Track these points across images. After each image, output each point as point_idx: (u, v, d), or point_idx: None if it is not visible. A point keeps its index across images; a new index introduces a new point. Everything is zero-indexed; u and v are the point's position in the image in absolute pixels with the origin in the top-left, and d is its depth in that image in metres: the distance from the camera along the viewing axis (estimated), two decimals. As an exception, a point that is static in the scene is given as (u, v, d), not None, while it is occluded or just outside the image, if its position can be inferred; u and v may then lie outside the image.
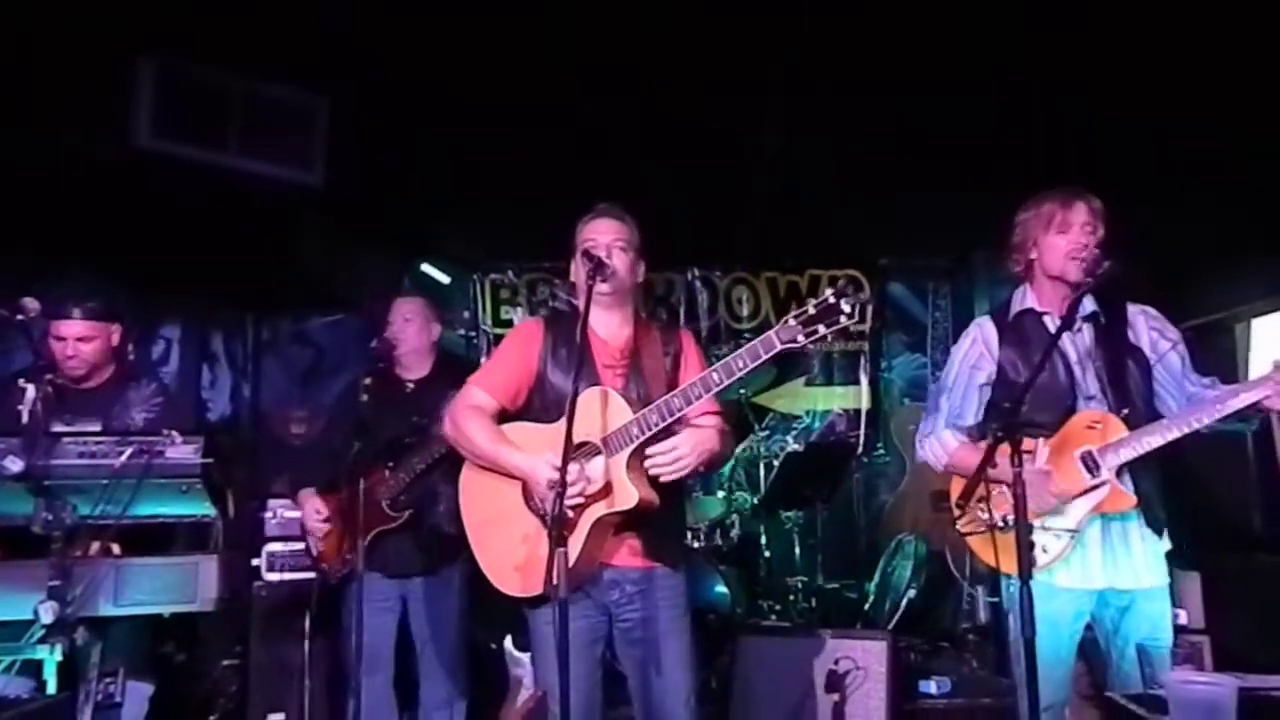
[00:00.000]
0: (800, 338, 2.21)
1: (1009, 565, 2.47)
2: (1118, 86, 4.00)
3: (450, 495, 2.91)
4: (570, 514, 2.36)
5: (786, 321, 2.23)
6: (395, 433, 3.32)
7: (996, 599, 4.40)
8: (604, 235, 2.59)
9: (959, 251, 6.35)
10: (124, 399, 3.03)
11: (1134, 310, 2.64)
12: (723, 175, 5.04)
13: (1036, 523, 2.28)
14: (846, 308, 2.17)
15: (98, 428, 2.88)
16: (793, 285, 6.55)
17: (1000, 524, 2.43)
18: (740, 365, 2.29)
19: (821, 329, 2.19)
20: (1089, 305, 2.60)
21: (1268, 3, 3.37)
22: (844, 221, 5.76)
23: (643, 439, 2.38)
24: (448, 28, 3.85)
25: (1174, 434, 2.41)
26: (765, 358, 2.29)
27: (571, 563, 2.27)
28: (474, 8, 3.73)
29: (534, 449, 2.47)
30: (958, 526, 2.58)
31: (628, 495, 2.37)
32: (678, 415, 2.38)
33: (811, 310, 2.21)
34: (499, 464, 2.53)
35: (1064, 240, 2.52)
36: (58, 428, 2.71)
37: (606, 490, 2.39)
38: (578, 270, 2.61)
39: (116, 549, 2.38)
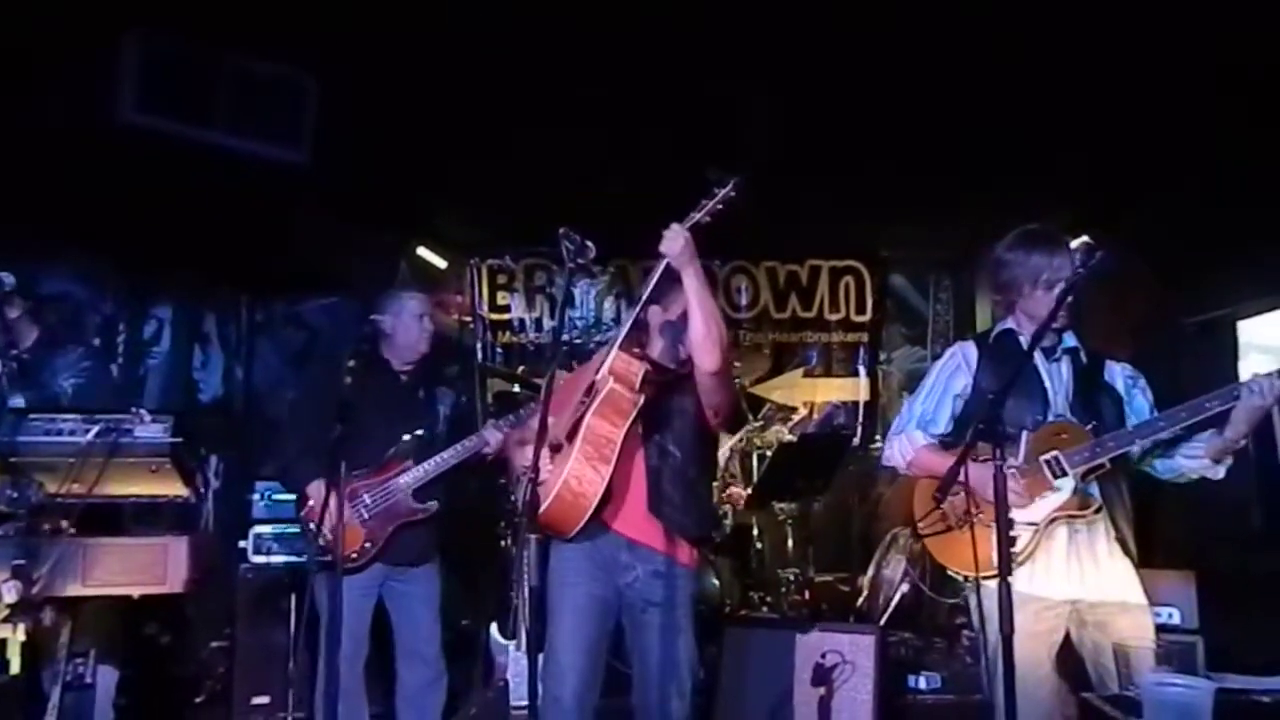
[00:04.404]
0: (694, 215, 2.57)
1: (964, 565, 2.49)
2: (1122, 80, 3.92)
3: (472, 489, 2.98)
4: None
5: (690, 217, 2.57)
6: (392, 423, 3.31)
7: (955, 600, 4.37)
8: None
9: (962, 244, 6.27)
10: (50, 365, 2.98)
11: (1111, 362, 2.71)
12: (722, 162, 4.97)
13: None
14: (722, 185, 2.57)
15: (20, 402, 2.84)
16: (792, 275, 6.47)
17: (962, 521, 2.46)
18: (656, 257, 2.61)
19: (707, 204, 2.57)
20: (1070, 340, 2.66)
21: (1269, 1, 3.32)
22: (845, 212, 5.70)
23: (620, 335, 2.66)
24: (442, 6, 3.79)
25: (1135, 441, 2.51)
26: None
27: (569, 461, 2.50)
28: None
29: (560, 394, 2.68)
30: (919, 528, 2.62)
31: (605, 379, 2.58)
32: (637, 309, 2.70)
33: (701, 200, 2.58)
34: None
35: (1052, 297, 2.53)
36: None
37: (594, 390, 2.60)
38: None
39: (65, 524, 2.34)
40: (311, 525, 3.26)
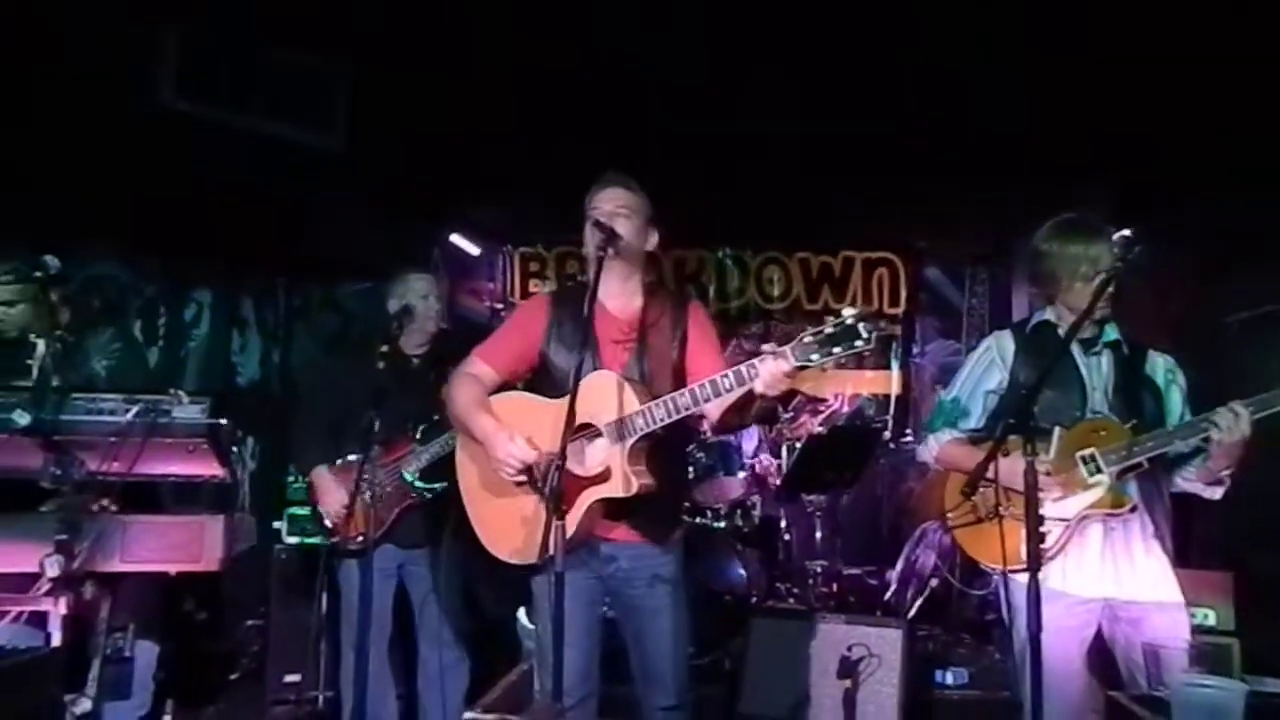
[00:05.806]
0: (815, 357, 2.17)
1: (993, 558, 2.46)
2: (1164, 70, 3.84)
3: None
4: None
5: (803, 339, 2.19)
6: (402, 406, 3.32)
7: (985, 593, 4.34)
8: (608, 203, 2.55)
9: (998, 236, 6.18)
10: (82, 348, 3.03)
11: (1154, 353, 2.64)
12: (757, 153, 4.95)
13: None
14: (864, 333, 2.13)
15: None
16: (825, 266, 6.44)
17: (992, 514, 2.43)
18: (751, 375, 2.25)
19: (838, 351, 2.16)
20: (1112, 333, 2.60)
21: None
22: (879, 203, 5.64)
23: (647, 430, 2.37)
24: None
25: (1175, 441, 2.44)
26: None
27: (567, 536, 2.29)
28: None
29: (527, 422, 2.48)
30: (948, 519, 2.59)
31: (627, 483, 2.37)
32: (685, 413, 2.38)
33: (829, 330, 2.17)
34: (468, 428, 2.56)
35: (1091, 289, 2.46)
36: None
37: (606, 475, 2.39)
38: (589, 242, 2.57)
39: (108, 503, 2.39)
40: (321, 510, 3.33)
